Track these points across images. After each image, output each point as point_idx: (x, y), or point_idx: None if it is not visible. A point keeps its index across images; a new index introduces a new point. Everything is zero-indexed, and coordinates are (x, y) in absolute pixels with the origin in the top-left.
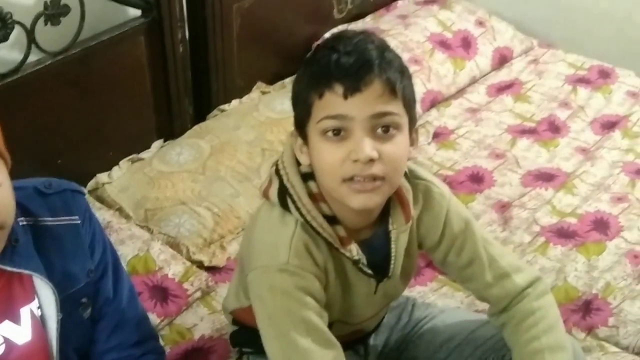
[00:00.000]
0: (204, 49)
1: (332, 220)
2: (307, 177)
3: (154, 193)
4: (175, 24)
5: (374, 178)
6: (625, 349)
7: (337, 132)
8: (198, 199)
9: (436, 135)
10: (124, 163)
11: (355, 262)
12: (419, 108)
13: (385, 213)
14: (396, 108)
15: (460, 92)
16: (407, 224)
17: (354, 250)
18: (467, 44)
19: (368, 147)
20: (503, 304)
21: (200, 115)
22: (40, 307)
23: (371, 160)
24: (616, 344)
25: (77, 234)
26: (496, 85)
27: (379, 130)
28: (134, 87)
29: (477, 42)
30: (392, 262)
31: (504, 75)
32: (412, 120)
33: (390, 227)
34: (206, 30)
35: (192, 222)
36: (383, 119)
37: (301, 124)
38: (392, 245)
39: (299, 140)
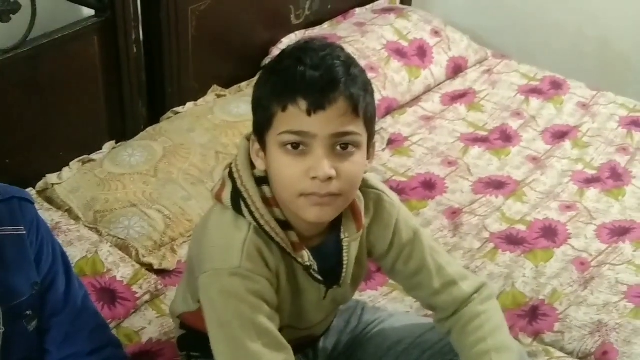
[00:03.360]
0: (159, 51)
1: (285, 225)
2: (261, 181)
3: (104, 195)
4: (129, 24)
5: (331, 194)
6: (570, 354)
7: (296, 146)
8: (149, 201)
9: (390, 142)
10: (74, 164)
11: (307, 268)
12: None
13: (336, 221)
14: (357, 127)
15: (415, 100)
16: (358, 232)
17: (305, 257)
18: (422, 53)
19: (327, 166)
20: (450, 311)
21: (154, 117)
22: None
23: (329, 178)
24: (561, 349)
25: (22, 245)
26: (450, 94)
27: (338, 148)
28: (86, 87)
29: (432, 52)
30: (344, 270)
31: (458, 85)
32: (371, 135)
33: (342, 236)
34: (161, 31)
35: (143, 224)
36: (343, 138)
37: (260, 131)
38: (344, 254)
39: (256, 145)
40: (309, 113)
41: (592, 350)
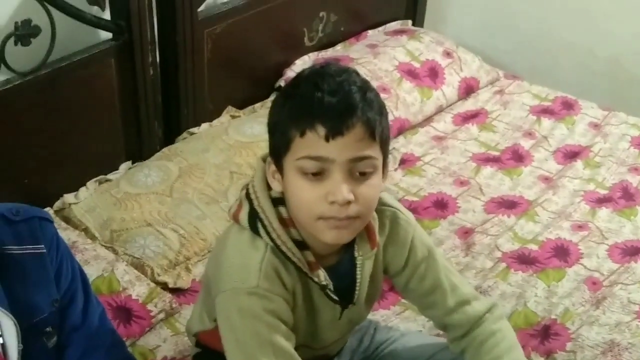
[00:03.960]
0: (175, 73)
1: (301, 245)
2: (278, 201)
3: (120, 214)
4: (146, 47)
5: (349, 218)
6: None
7: (315, 172)
8: (164, 221)
9: (403, 162)
10: (91, 184)
11: (323, 288)
12: None
13: (352, 240)
14: (374, 151)
15: (427, 120)
16: (372, 251)
17: (321, 276)
18: (434, 73)
19: (345, 191)
20: (463, 330)
21: (170, 138)
22: (1, 335)
23: (348, 202)
24: None
25: (43, 263)
26: (462, 115)
27: (356, 172)
28: (104, 109)
29: (444, 72)
30: (357, 288)
31: (470, 105)
32: (386, 157)
33: (356, 254)
34: (177, 54)
35: (158, 243)
36: (361, 162)
37: (277, 154)
38: (358, 272)
39: (273, 167)
40: (327, 139)
41: None
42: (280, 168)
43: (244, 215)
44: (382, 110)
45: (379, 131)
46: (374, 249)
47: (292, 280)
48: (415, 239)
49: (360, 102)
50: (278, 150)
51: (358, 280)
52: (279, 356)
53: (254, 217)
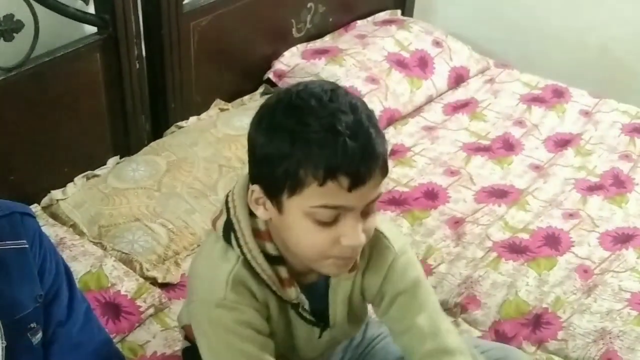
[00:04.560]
0: (161, 66)
1: (276, 260)
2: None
3: (109, 209)
4: (131, 41)
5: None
6: None
7: (330, 219)
8: (153, 216)
9: (393, 153)
10: (78, 179)
11: (294, 306)
12: None
13: None
14: (383, 186)
15: (417, 110)
16: (350, 273)
17: (293, 293)
18: (424, 63)
19: (362, 234)
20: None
21: (158, 132)
22: None
23: (361, 245)
24: (565, 357)
25: (25, 258)
26: (452, 104)
27: (366, 208)
28: (90, 103)
29: (433, 62)
30: (330, 310)
31: (460, 94)
32: None
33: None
34: (163, 47)
35: (147, 238)
36: (374, 202)
37: (274, 189)
38: (330, 294)
39: (257, 194)
40: (349, 189)
41: (595, 357)
42: (274, 201)
43: (220, 224)
44: (384, 137)
45: (386, 163)
46: (352, 271)
47: (263, 294)
48: (395, 268)
49: (376, 142)
50: (277, 186)
51: (331, 303)
52: None
53: (228, 228)
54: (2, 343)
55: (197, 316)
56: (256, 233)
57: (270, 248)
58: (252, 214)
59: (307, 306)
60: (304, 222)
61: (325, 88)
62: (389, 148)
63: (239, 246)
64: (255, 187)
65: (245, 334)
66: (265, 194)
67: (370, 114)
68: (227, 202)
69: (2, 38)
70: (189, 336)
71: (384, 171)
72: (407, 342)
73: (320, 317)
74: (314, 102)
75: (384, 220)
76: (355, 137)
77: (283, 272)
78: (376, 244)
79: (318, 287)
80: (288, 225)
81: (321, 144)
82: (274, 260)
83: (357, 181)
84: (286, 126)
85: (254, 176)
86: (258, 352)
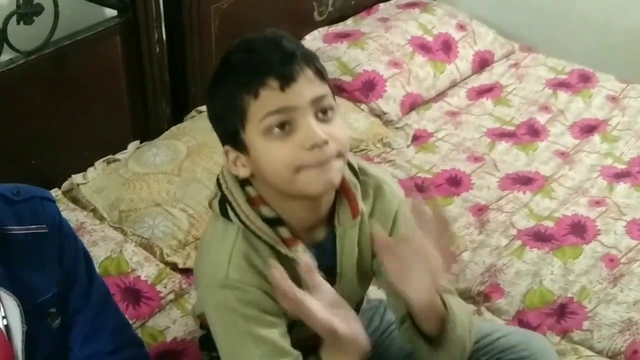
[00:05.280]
0: (182, 50)
1: (275, 222)
2: (244, 183)
3: (129, 194)
4: (151, 24)
5: (330, 157)
6: (599, 352)
7: (282, 125)
8: (173, 201)
9: (415, 138)
10: (99, 164)
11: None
12: (398, 111)
13: (333, 211)
14: (327, 90)
15: (440, 95)
16: (354, 219)
17: (299, 251)
18: (447, 47)
19: (320, 130)
20: None
21: (178, 116)
22: (5, 317)
23: (325, 142)
24: (590, 348)
25: (45, 243)
26: (476, 89)
27: (320, 115)
28: (110, 87)
29: (457, 46)
30: (338, 258)
31: (484, 79)
32: (334, 98)
33: (336, 223)
34: (183, 31)
35: (167, 223)
36: (322, 102)
37: (233, 135)
38: (338, 242)
39: (232, 154)
40: (282, 88)
41: (621, 349)
42: (242, 148)
43: (215, 203)
44: (316, 55)
45: (323, 70)
46: (356, 217)
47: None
48: (398, 215)
49: (297, 49)
50: (234, 130)
51: (338, 251)
52: (261, 346)
53: (223, 202)
54: (23, 327)
55: (204, 302)
56: (250, 201)
57: (266, 211)
58: (242, 187)
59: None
60: (265, 144)
61: (252, 32)
62: (412, 131)
63: (237, 215)
64: (227, 148)
65: (250, 314)
66: (234, 148)
67: (287, 35)
68: (217, 181)
69: (22, 21)
70: (204, 324)
71: (317, 70)
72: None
73: (330, 274)
74: (237, 44)
75: (383, 171)
76: (271, 48)
77: (284, 232)
78: (378, 188)
79: (325, 244)
80: (258, 160)
81: (243, 66)
82: (274, 222)
83: (285, 79)
84: (219, 75)
85: (221, 138)
86: (264, 332)
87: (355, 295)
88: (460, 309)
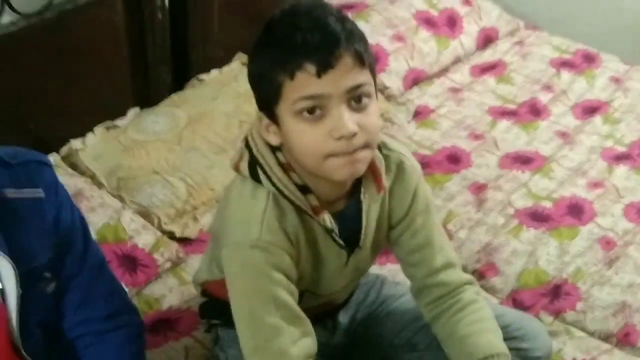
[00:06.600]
0: (184, 17)
1: (303, 189)
2: (275, 148)
3: (128, 162)
4: None
5: (357, 149)
6: (592, 334)
7: (312, 110)
8: (172, 170)
9: (417, 114)
10: (98, 130)
11: (328, 232)
12: (400, 86)
13: (358, 184)
14: (366, 77)
15: (443, 71)
16: (379, 195)
17: (326, 220)
18: (452, 22)
19: (349, 122)
20: (442, 292)
21: (179, 84)
22: (0, 280)
23: (354, 134)
24: (583, 329)
25: (41, 208)
26: (480, 66)
27: (353, 102)
28: (111, 53)
29: (462, 21)
30: (363, 231)
31: (488, 56)
32: (375, 83)
33: (362, 198)
34: None
35: (165, 192)
36: (357, 90)
37: (268, 105)
38: (364, 216)
39: (265, 121)
40: (318, 75)
41: (614, 331)
42: (274, 119)
43: (244, 164)
44: (364, 37)
45: (367, 57)
46: (380, 192)
47: (295, 229)
48: (418, 189)
49: (342, 32)
50: (268, 101)
51: (364, 224)
52: (280, 309)
53: (254, 165)
54: (18, 291)
55: (228, 261)
56: (280, 166)
57: (295, 177)
58: (272, 150)
59: (337, 231)
60: (295, 125)
61: (305, 3)
62: (414, 106)
63: (269, 178)
64: (261, 114)
65: (275, 277)
66: (267, 117)
67: (340, 16)
68: (247, 143)
69: None
70: (207, 291)
71: (358, 57)
72: (419, 259)
73: (348, 243)
74: (285, 14)
75: (403, 147)
76: (314, 30)
77: (313, 199)
78: (400, 164)
79: (346, 213)
80: (288, 136)
81: (284, 42)
82: (302, 190)
83: (322, 66)
84: (261, 43)
85: (258, 103)
86: (286, 296)
87: (366, 265)
88: None
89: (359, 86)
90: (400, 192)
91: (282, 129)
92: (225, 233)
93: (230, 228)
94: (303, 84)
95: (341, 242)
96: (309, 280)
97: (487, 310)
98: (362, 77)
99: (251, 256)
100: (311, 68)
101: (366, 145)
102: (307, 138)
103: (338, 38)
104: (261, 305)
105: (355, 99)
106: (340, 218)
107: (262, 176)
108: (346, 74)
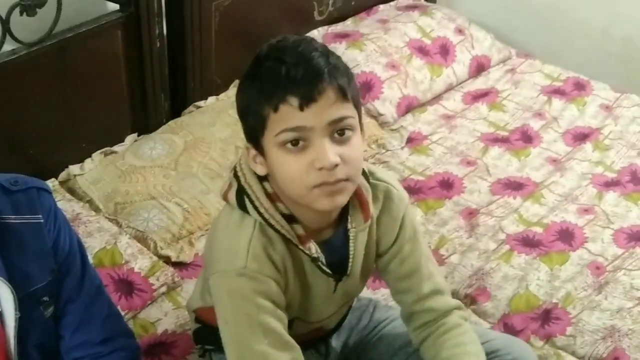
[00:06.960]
0: (182, 46)
1: (290, 219)
2: (262, 178)
3: (125, 187)
4: (152, 19)
5: (339, 180)
6: (582, 358)
7: (295, 142)
8: (168, 194)
9: (410, 140)
10: (96, 155)
11: (314, 260)
12: (394, 113)
13: (345, 213)
14: (349, 111)
15: (436, 98)
16: (366, 223)
17: (312, 248)
18: (445, 51)
19: (331, 154)
20: (430, 318)
21: (176, 111)
22: None
23: (335, 165)
24: (573, 353)
25: (40, 233)
26: (472, 93)
27: (336, 135)
28: (110, 80)
29: (455, 50)
30: (350, 260)
31: (480, 84)
32: (360, 115)
33: (349, 226)
34: (184, 27)
35: (161, 217)
36: (340, 124)
37: (254, 136)
38: (351, 244)
39: (252, 152)
40: (301, 108)
41: (603, 355)
42: (260, 150)
43: (232, 194)
44: (348, 71)
45: (350, 91)
46: (367, 220)
47: (281, 257)
48: (406, 217)
49: (326, 66)
50: (255, 133)
51: (351, 253)
52: (268, 336)
53: (241, 194)
54: (16, 314)
55: (216, 288)
56: (267, 195)
57: (282, 207)
58: (259, 180)
59: (324, 260)
60: (279, 156)
61: (291, 38)
62: (407, 133)
63: (255, 208)
64: (249, 145)
65: (262, 304)
66: (254, 148)
67: (324, 51)
68: (235, 173)
69: (25, 13)
70: (200, 318)
71: (340, 91)
72: (407, 287)
73: (335, 271)
74: (272, 48)
75: (391, 176)
76: (298, 64)
77: (299, 229)
78: (388, 193)
79: (333, 242)
80: (273, 166)
81: (269, 76)
82: (289, 220)
83: (305, 99)
84: (249, 75)
85: (245, 134)
86: (274, 323)
87: (355, 292)
88: None
89: (341, 119)
90: (388, 220)
91: (268, 159)
92: (213, 261)
93: (217, 256)
94: (286, 117)
95: (328, 270)
96: (298, 307)
97: (471, 334)
98: (345, 110)
99: (238, 284)
100: (294, 101)
101: (348, 178)
102: (290, 169)
103: (321, 72)
104: (249, 333)
105: (338, 131)
106: (328, 246)
107: (249, 206)
108: (329, 107)
